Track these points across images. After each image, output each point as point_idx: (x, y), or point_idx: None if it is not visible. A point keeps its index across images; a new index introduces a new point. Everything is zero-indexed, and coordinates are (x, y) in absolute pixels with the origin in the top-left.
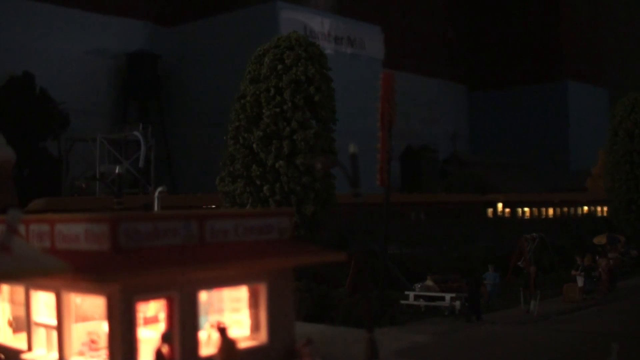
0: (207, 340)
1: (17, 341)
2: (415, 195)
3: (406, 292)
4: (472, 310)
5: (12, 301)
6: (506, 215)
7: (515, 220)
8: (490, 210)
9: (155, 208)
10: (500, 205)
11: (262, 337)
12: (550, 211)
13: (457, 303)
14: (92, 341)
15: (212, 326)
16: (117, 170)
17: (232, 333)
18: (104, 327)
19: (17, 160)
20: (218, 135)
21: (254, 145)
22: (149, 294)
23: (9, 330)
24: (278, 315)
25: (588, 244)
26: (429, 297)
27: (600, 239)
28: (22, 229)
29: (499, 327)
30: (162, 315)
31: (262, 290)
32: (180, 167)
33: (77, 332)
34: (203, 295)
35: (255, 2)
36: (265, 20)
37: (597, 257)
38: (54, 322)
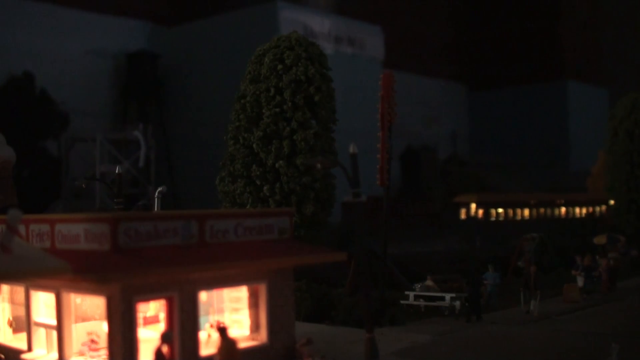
0: (207, 340)
1: (17, 341)
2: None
3: (406, 292)
4: (472, 310)
5: (12, 301)
6: (479, 216)
7: (490, 222)
8: (463, 211)
9: (155, 208)
10: (473, 206)
11: (262, 337)
12: (533, 212)
13: (457, 303)
14: (92, 341)
15: (212, 326)
16: (117, 170)
17: (232, 333)
18: (104, 327)
19: (17, 160)
20: (218, 135)
21: (254, 145)
22: (149, 294)
23: (9, 330)
24: (278, 315)
25: (588, 244)
26: (429, 297)
27: (600, 239)
28: (22, 229)
29: (499, 327)
30: (162, 315)
31: (262, 290)
32: (180, 167)
33: (77, 332)
34: (203, 295)
35: (255, 2)
36: (265, 20)
37: (597, 257)
38: (54, 322)
